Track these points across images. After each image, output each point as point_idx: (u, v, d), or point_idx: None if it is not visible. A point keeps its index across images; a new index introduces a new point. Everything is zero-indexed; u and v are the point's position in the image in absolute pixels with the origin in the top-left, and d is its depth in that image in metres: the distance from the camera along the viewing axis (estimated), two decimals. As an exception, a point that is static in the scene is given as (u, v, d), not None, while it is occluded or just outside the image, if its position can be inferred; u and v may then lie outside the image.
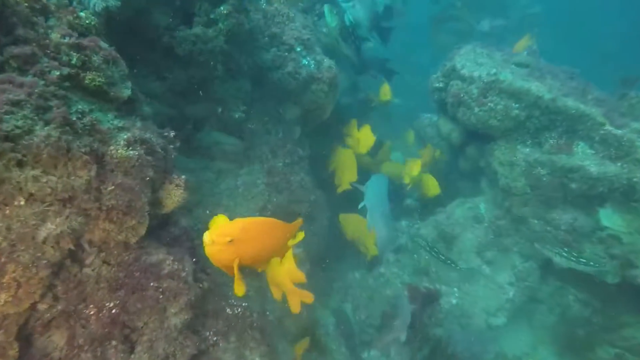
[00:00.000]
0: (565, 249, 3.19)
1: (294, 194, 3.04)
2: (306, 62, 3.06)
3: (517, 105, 3.40)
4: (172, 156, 1.60)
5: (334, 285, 3.68)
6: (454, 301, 3.44)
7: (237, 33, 2.43)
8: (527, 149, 3.48)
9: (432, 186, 3.84)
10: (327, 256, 3.68)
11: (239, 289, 1.34)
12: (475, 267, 3.58)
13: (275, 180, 2.94)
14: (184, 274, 1.56)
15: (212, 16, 2.36)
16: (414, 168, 4.06)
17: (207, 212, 2.51)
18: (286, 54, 2.93)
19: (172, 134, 1.62)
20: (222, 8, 2.29)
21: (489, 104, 3.46)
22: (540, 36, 5.04)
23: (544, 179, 3.32)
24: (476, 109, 3.53)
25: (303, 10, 3.85)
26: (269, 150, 2.98)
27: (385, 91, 4.37)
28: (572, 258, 3.12)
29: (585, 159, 3.21)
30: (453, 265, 3.25)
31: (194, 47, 2.28)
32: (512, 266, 3.58)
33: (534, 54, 3.90)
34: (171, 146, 1.61)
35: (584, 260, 3.14)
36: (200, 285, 1.72)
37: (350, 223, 3.42)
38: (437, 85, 4.08)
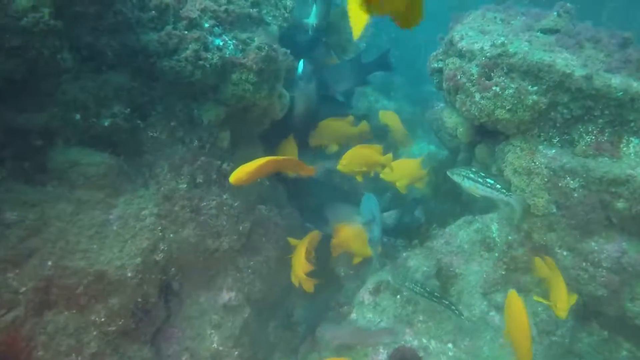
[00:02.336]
0: (473, 169, 2.62)
1: (205, 225, 2.23)
2: (220, 43, 2.21)
3: (534, 87, 2.35)
4: None
5: (291, 339, 2.83)
6: (446, 364, 2.49)
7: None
8: (553, 150, 2.42)
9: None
10: (281, 299, 2.85)
11: None
12: (480, 314, 2.60)
13: (174, 208, 2.14)
14: None
15: (26, -22, 1.59)
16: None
17: (49, 263, 1.77)
18: (185, 32, 2.10)
19: None
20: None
21: (494, 87, 2.43)
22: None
23: (575, 194, 2.26)
24: (477, 96, 2.51)
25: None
26: (168, 167, 2.19)
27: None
28: (479, 179, 2.52)
29: (639, 164, 2.13)
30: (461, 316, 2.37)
31: (-14, 25, 1.52)
32: (532, 314, 2.55)
33: (568, 14, 2.79)
34: None
35: (491, 182, 2.50)
36: None
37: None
38: (436, 65, 3.09)
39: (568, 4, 2.87)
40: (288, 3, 3.05)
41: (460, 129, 3.04)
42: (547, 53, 2.37)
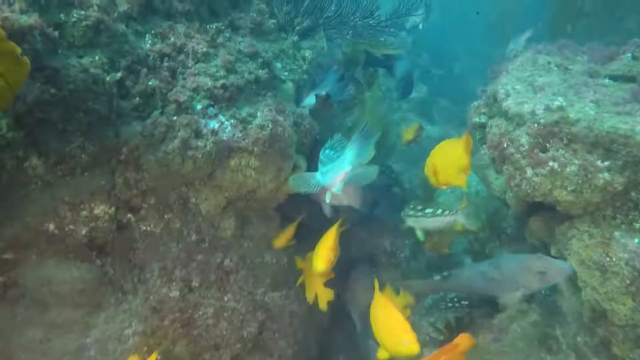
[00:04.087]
0: (411, 205, 2.53)
1: (200, 339, 1.92)
2: (216, 125, 1.92)
3: (606, 163, 1.85)
4: None
5: None
6: None
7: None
8: (636, 240, 1.89)
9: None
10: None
11: None
12: None
13: (163, 323, 1.85)
14: None
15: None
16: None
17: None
18: (174, 118, 1.83)
19: None
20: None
21: (551, 163, 1.95)
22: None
23: (672, 306, 1.72)
24: (529, 172, 2.03)
25: (280, 27, 2.74)
26: (158, 270, 1.91)
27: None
28: (418, 213, 2.46)
29: None
30: None
31: None
32: None
33: (646, 55, 2.25)
34: None
35: (430, 211, 2.44)
36: None
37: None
38: (478, 120, 2.63)
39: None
40: (307, 54, 2.75)
41: (510, 195, 2.54)
42: (622, 117, 1.86)
